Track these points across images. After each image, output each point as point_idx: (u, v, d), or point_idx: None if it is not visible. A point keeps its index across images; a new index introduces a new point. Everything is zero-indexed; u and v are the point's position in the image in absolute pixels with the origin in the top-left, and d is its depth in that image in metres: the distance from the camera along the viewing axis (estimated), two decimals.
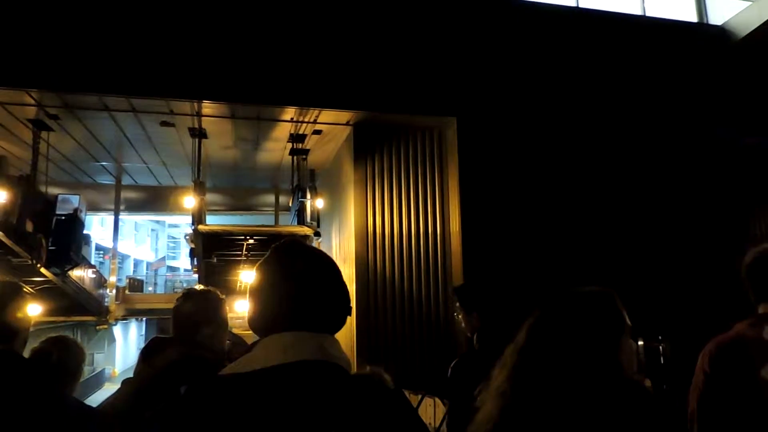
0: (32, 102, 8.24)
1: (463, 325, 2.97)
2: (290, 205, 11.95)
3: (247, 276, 11.81)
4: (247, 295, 1.24)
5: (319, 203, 10.19)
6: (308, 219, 9.95)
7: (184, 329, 2.27)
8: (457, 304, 3.00)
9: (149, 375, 2.12)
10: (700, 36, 9.63)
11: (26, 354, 2.25)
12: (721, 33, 9.59)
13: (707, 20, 9.91)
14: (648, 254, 8.10)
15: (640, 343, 6.40)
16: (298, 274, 1.20)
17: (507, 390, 1.53)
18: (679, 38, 9.37)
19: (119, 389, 2.20)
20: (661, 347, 6.22)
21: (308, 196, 10.08)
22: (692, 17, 9.94)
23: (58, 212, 11.61)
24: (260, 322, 1.20)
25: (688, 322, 6.69)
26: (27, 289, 10.95)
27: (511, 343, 1.62)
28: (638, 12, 9.72)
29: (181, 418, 1.04)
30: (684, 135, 8.86)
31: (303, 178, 10.80)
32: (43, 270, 10.70)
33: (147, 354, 2.24)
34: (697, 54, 9.33)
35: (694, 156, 8.81)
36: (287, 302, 1.17)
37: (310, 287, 1.19)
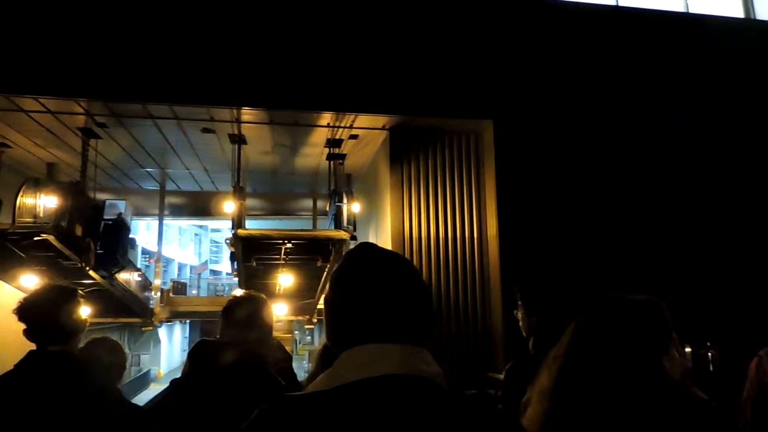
0: (81, 111, 8.58)
1: (520, 324, 2.92)
2: (327, 209, 12.08)
3: (285, 279, 11.99)
4: (324, 308, 1.17)
5: (356, 207, 10.25)
6: (345, 223, 10.03)
7: (233, 334, 2.31)
8: (519, 302, 2.93)
9: (204, 378, 2.16)
10: (748, 32, 9.28)
11: None
12: None
13: (754, 15, 9.55)
14: (696, 257, 7.83)
15: (688, 349, 6.19)
16: (375, 281, 1.11)
17: (551, 392, 1.54)
18: (725, 35, 9.04)
19: (168, 388, 2.26)
20: (709, 354, 6.00)
21: (345, 200, 10.16)
22: (738, 12, 9.59)
23: (105, 217, 12.02)
24: (338, 336, 1.12)
25: (739, 328, 6.46)
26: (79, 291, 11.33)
27: (555, 346, 1.63)
28: (681, 8, 9.43)
29: None
30: (733, 134, 8.55)
31: (340, 182, 10.90)
32: (91, 273, 11.09)
33: (194, 356, 2.30)
34: (745, 51, 8.99)
35: (745, 156, 8.48)
36: (366, 312, 1.08)
37: (388, 294, 1.09)
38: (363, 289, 1.11)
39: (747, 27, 9.41)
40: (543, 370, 1.62)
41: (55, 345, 2.07)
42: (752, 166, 8.47)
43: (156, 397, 2.35)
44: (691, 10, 9.44)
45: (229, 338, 2.32)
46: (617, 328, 1.54)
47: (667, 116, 8.37)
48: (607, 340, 1.52)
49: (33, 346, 2.13)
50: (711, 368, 5.90)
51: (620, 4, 9.15)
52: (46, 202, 9.52)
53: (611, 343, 1.51)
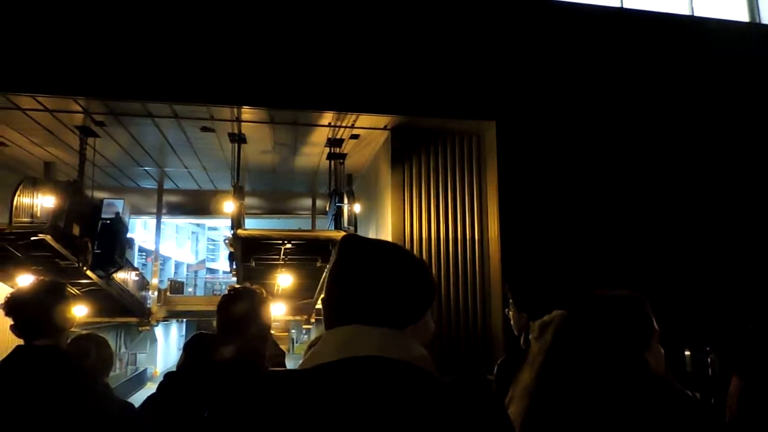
0: (79, 109, 8.50)
1: (511, 321, 2.95)
2: (327, 209, 12.01)
3: (284, 279, 11.92)
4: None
5: (357, 208, 10.19)
6: (345, 223, 9.97)
7: (231, 328, 2.26)
8: (510, 301, 2.97)
9: (199, 372, 2.12)
10: (752, 36, 9.25)
11: None
12: None
13: (759, 19, 9.51)
14: (697, 262, 7.80)
15: (687, 353, 6.18)
16: (356, 264, 1.12)
17: (533, 388, 1.54)
18: (730, 38, 9.01)
19: (162, 381, 2.23)
20: (709, 358, 5.98)
21: (345, 200, 10.09)
22: (744, 16, 9.55)
23: (103, 216, 11.90)
24: (326, 320, 1.12)
25: (738, 333, 6.40)
26: (73, 290, 11.25)
27: (539, 343, 1.64)
28: (686, 11, 9.39)
29: (227, 415, 1.00)
30: (734, 138, 8.52)
31: (340, 182, 10.84)
32: (88, 273, 10.99)
33: (190, 349, 2.26)
34: (749, 54, 8.95)
35: (746, 159, 8.45)
36: (345, 293, 1.09)
37: (368, 276, 1.09)
38: (343, 272, 1.12)
39: (752, 31, 9.37)
40: (525, 367, 1.63)
41: (42, 339, 2.05)
42: (753, 169, 8.43)
43: (152, 394, 2.32)
44: (696, 14, 9.39)
45: (227, 333, 2.27)
46: (599, 324, 1.54)
47: (670, 119, 8.33)
48: (589, 335, 1.52)
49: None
50: (710, 372, 5.88)
51: (625, 6, 9.09)
52: (43, 202, 9.40)
53: (592, 338, 1.51)
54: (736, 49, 8.93)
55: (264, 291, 2.40)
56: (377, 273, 1.10)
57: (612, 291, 1.62)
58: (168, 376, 2.23)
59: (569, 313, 1.62)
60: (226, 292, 2.44)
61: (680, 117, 8.40)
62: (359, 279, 1.10)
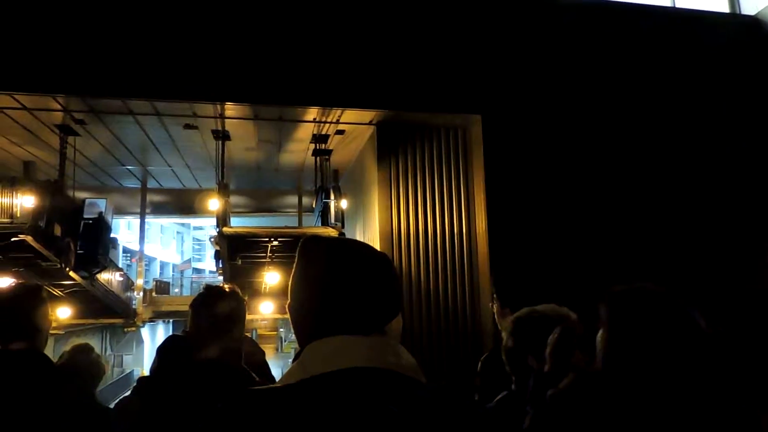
0: (59, 107, 8.34)
1: (495, 316, 2.97)
2: (313, 205, 11.95)
3: (271, 277, 11.84)
4: (289, 314, 1.13)
5: (344, 204, 10.14)
6: (332, 220, 9.92)
7: (218, 329, 2.20)
8: (494, 296, 2.98)
9: (176, 377, 2.07)
10: (733, 26, 9.33)
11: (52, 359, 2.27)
12: (754, 23, 9.28)
13: (740, 10, 9.59)
14: (679, 252, 7.84)
15: None
16: (335, 271, 1.07)
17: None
18: (711, 29, 9.08)
19: (135, 388, 2.18)
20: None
21: (332, 196, 10.05)
22: (724, 7, 9.63)
23: (85, 216, 11.75)
24: (305, 334, 1.07)
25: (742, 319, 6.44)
26: (56, 292, 11.10)
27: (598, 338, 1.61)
28: (668, 3, 9.45)
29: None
30: (715, 130, 8.58)
31: (326, 178, 10.79)
32: (71, 273, 10.83)
33: (164, 352, 2.22)
34: (730, 45, 9.03)
35: (724, 153, 8.52)
36: (328, 303, 1.05)
37: (350, 283, 1.06)
38: (314, 282, 1.08)
39: (733, 21, 9.45)
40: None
41: (18, 343, 2.00)
42: (732, 164, 8.49)
43: (124, 397, 2.27)
44: (678, 5, 9.46)
45: (211, 334, 2.20)
46: (658, 318, 1.53)
47: (655, 112, 8.37)
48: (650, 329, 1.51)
49: None
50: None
51: None
52: (23, 202, 9.22)
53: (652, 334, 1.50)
54: (718, 40, 9.00)
55: (238, 290, 2.36)
56: (361, 280, 1.07)
57: (639, 284, 1.62)
58: (142, 380, 2.18)
59: (612, 310, 1.59)
60: (202, 290, 2.37)
61: (665, 109, 8.43)
62: (343, 286, 1.06)
